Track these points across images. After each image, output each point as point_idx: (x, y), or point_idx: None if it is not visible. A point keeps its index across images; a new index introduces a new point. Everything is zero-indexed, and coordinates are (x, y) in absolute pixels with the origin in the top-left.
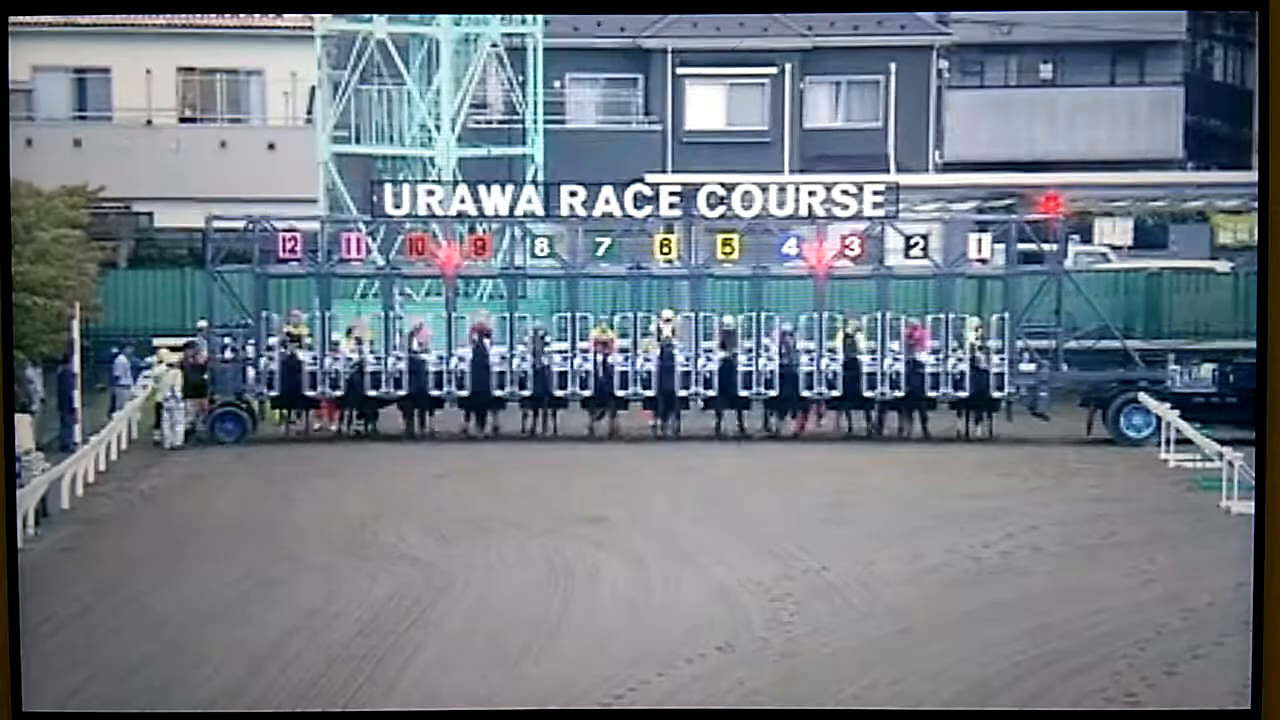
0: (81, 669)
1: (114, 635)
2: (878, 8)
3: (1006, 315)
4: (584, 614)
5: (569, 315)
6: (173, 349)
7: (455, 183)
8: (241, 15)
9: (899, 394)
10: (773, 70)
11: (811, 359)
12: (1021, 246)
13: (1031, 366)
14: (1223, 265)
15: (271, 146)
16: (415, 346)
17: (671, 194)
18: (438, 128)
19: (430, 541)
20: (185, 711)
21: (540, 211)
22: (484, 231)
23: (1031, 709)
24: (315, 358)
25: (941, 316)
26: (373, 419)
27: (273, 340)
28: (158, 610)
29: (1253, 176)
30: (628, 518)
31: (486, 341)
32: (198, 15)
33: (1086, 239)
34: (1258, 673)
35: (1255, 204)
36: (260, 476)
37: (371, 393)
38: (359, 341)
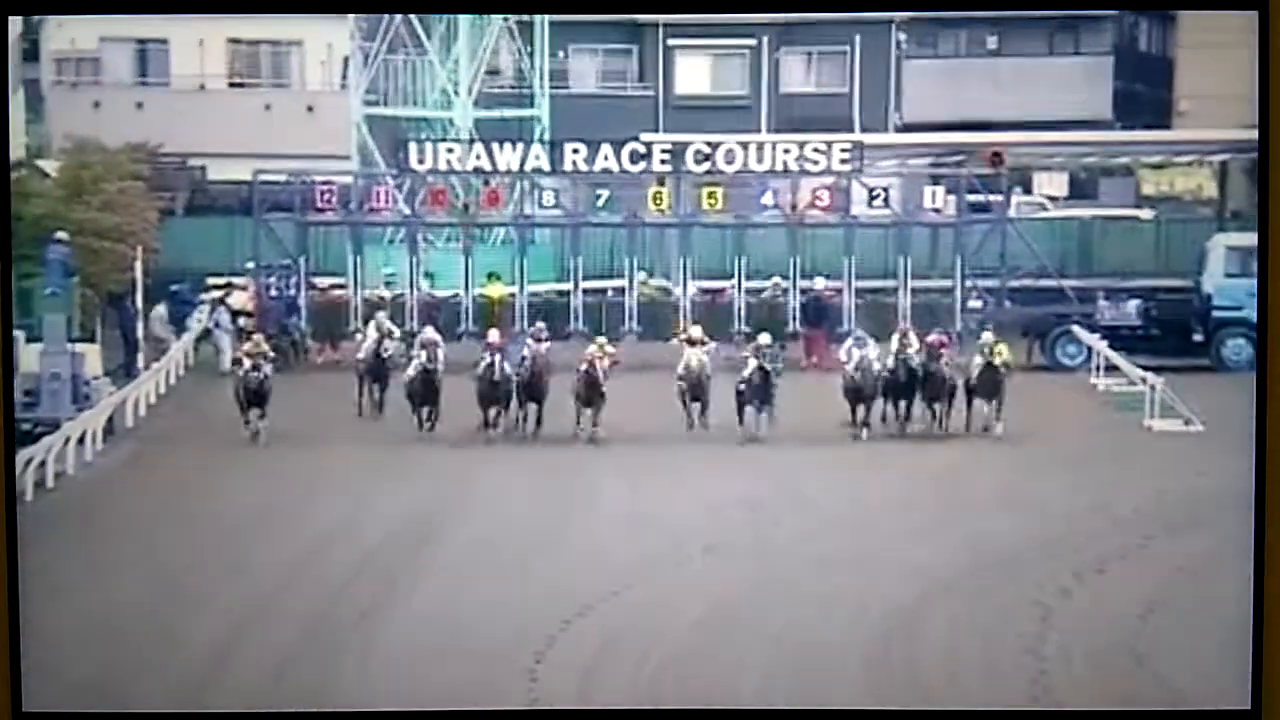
0: (137, 570)
1: (170, 538)
2: (871, 7)
3: (958, 258)
4: (582, 526)
5: (573, 260)
6: (223, 286)
7: (471, 141)
8: None
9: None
10: (752, 42)
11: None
12: (970, 197)
13: (979, 303)
14: (1146, 213)
15: (310, 109)
16: (425, 357)
17: (663, 151)
18: (456, 92)
19: (449, 460)
20: (187, 711)
21: (546, 167)
22: (497, 185)
23: (1031, 709)
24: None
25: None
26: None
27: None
28: (207, 515)
29: (1172, 135)
30: (626, 439)
31: (499, 357)
32: None
33: (1027, 190)
34: (1258, 672)
35: (1175, 158)
36: (300, 402)
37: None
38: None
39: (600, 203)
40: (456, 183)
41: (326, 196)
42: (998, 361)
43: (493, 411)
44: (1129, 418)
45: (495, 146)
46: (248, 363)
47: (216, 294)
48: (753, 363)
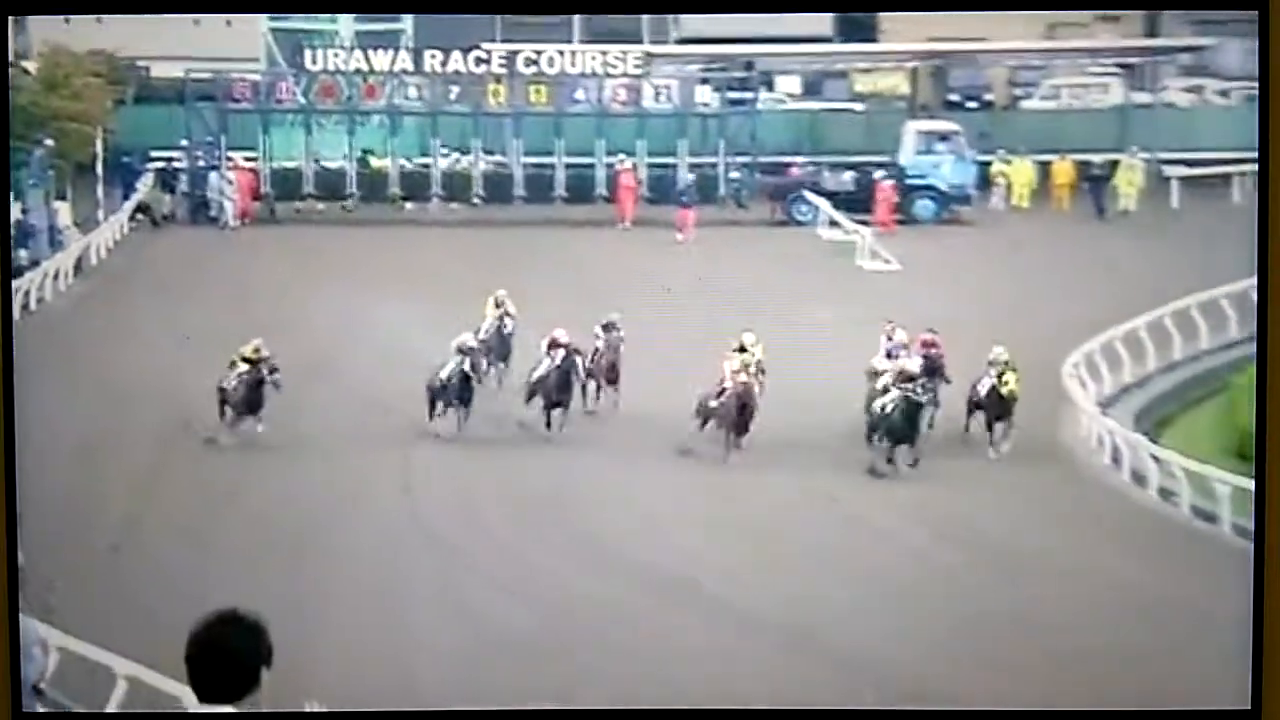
0: (98, 376)
1: (122, 358)
2: (870, 8)
3: (721, 141)
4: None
5: (432, 141)
6: (165, 159)
7: (353, 48)
8: None
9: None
10: None
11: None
12: (730, 94)
13: (737, 174)
14: (858, 106)
15: (229, 23)
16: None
17: (500, 58)
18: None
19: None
20: (188, 711)
21: (411, 68)
22: (373, 81)
23: (1031, 709)
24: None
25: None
26: None
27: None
28: (159, 343)
29: (876, 47)
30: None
31: (576, 355)
32: None
33: (771, 89)
34: (1257, 673)
35: (878, 65)
36: (230, 253)
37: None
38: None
39: (452, 97)
40: (341, 80)
41: (242, 90)
42: (1005, 391)
43: (556, 411)
44: (844, 260)
45: (371, 52)
46: (243, 366)
47: (223, 166)
48: (894, 394)
